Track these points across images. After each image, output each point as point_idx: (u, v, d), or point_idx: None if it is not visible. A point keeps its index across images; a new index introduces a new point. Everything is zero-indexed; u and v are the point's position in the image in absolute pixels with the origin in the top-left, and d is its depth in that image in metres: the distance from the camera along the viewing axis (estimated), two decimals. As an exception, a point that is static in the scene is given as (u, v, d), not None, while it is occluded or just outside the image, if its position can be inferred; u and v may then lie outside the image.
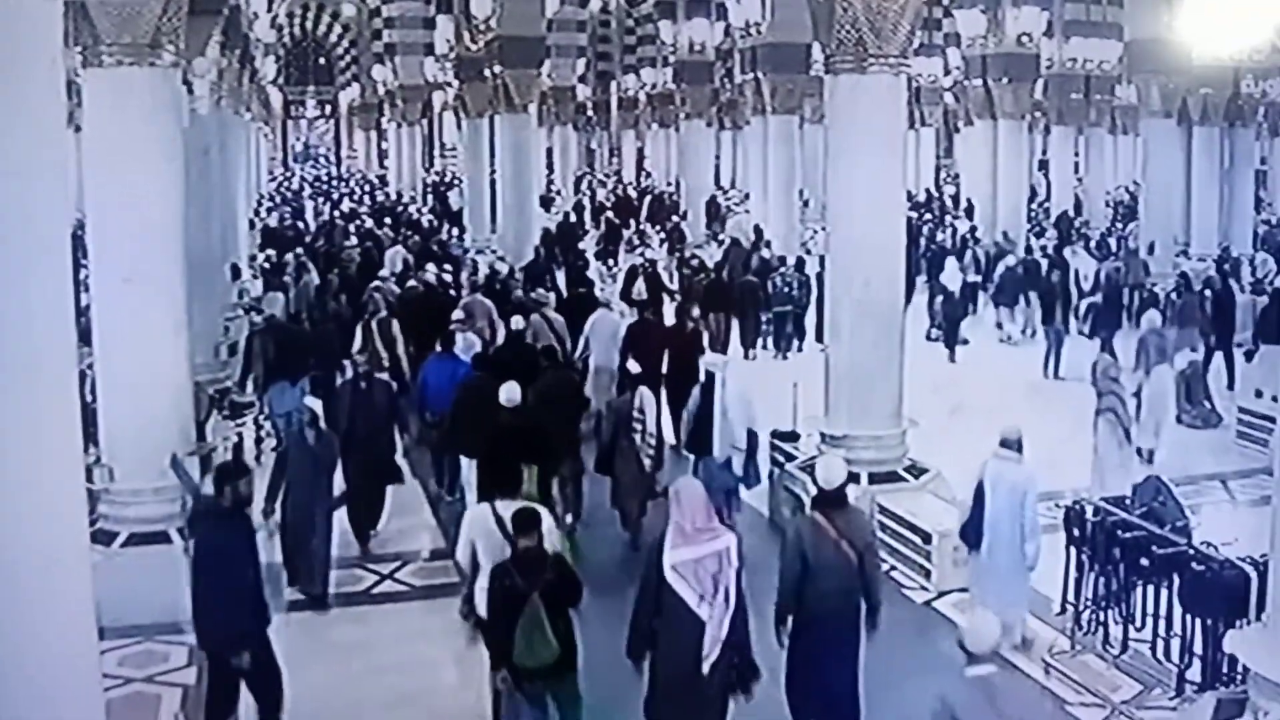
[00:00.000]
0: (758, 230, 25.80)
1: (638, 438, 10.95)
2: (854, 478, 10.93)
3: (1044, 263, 21.99)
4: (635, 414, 11.03)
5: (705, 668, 6.66)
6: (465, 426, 10.88)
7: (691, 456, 11.25)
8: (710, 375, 11.12)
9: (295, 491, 9.85)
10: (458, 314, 15.24)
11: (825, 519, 7.35)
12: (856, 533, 7.37)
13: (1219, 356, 17.31)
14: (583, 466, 11.42)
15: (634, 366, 12.07)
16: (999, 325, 21.92)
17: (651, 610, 6.81)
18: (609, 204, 40.16)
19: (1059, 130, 31.75)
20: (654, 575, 6.79)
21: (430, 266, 19.73)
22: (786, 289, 20.40)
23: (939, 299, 21.36)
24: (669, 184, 46.41)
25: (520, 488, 8.28)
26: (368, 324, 15.04)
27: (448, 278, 19.25)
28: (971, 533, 9.22)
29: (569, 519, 10.37)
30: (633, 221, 36.41)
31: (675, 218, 34.55)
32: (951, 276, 21.09)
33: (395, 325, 14.89)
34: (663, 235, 32.86)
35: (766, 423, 12.62)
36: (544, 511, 7.24)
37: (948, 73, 35.89)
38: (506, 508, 7.35)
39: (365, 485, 11.09)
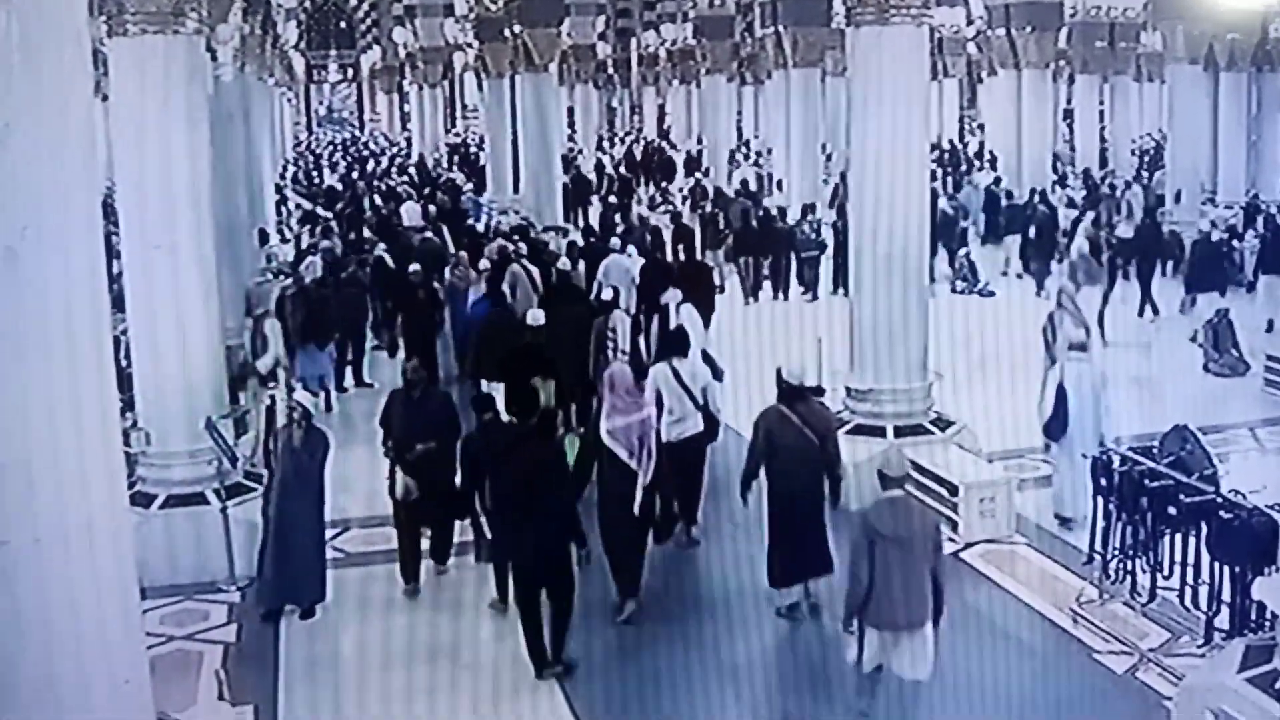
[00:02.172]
0: (744, 183, 27.16)
1: (611, 353, 12.60)
2: (879, 430, 11.19)
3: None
4: (609, 333, 12.84)
5: (635, 509, 8.72)
6: (486, 353, 12.45)
7: None
8: (666, 305, 13.20)
9: (281, 497, 9.13)
10: (483, 264, 16.12)
11: (789, 409, 8.79)
12: (817, 420, 8.86)
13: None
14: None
15: (607, 294, 13.90)
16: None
17: (592, 464, 8.97)
18: (618, 161, 40.35)
19: (1084, 79, 31.33)
20: (594, 439, 9.01)
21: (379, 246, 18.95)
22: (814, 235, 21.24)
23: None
24: (667, 141, 46.36)
25: (687, 347, 10.69)
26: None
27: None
28: (1057, 427, 10.42)
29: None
30: (644, 178, 36.53)
31: (697, 174, 34.50)
32: None
33: (270, 325, 13.12)
34: (684, 193, 32.85)
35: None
36: None
37: (970, 22, 35.44)
38: (680, 363, 10.47)
39: (424, 519, 9.84)
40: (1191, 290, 17.92)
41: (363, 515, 10.89)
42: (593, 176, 34.56)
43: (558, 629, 8.27)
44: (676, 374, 10.39)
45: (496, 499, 8.46)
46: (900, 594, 7.01)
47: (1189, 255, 19.00)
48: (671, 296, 13.34)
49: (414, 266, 15.92)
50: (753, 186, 27.27)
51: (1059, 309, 12.86)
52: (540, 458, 8.37)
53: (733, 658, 8.61)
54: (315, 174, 39.60)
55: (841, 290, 19.37)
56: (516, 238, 18.74)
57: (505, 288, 14.97)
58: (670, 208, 29.25)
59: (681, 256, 20.41)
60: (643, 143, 46.72)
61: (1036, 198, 23.76)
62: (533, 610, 8.22)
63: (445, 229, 20.83)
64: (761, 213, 22.92)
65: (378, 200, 26.95)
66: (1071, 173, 31.37)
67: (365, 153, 49.28)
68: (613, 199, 29.45)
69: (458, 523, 9.79)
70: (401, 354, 14.75)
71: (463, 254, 17.28)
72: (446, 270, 16.60)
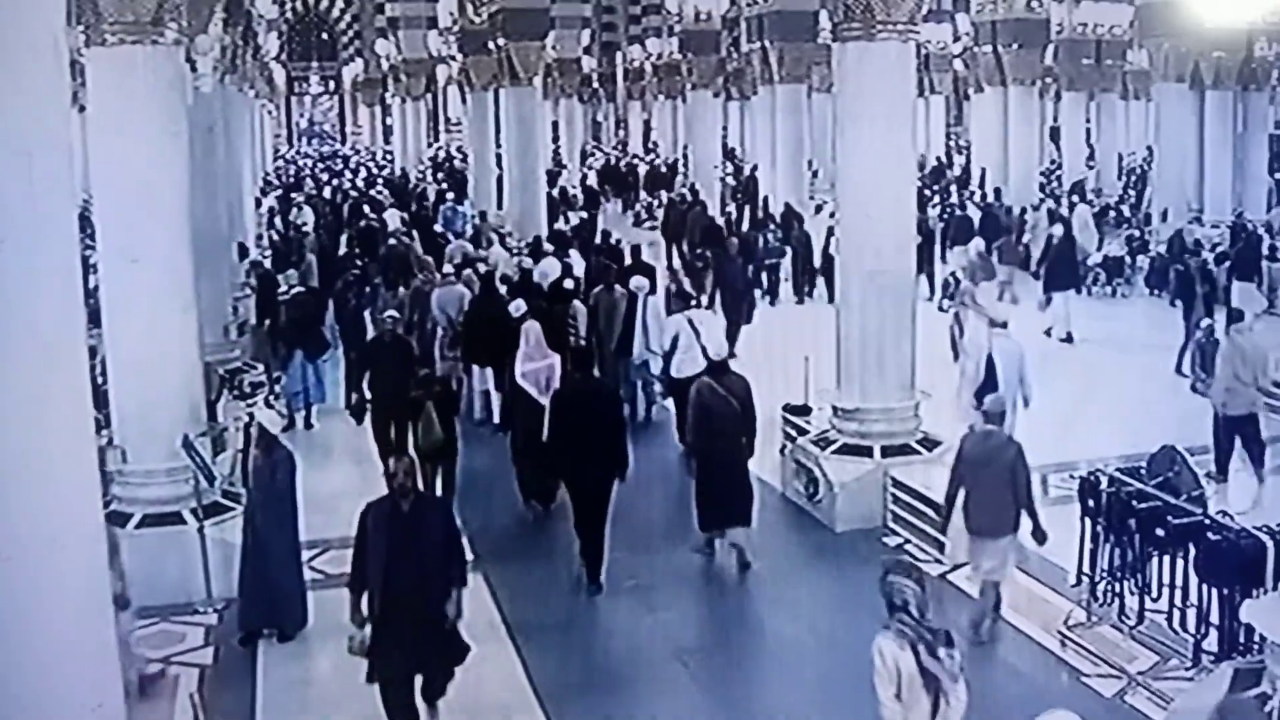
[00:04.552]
0: (693, 189, 28.48)
1: (571, 339, 14.04)
2: (866, 450, 11.11)
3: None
4: (570, 320, 14.43)
5: (544, 435, 10.27)
6: (474, 338, 14.17)
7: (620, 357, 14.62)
8: (634, 294, 14.50)
9: (252, 519, 9.05)
10: (446, 268, 17.46)
11: (715, 380, 10.31)
12: (737, 389, 10.28)
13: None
14: None
15: (569, 284, 15.60)
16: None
17: (511, 400, 11.73)
18: (596, 172, 40.59)
19: (1070, 96, 31.54)
20: (511, 383, 11.63)
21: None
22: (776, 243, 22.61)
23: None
24: (650, 155, 46.47)
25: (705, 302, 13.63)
26: None
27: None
28: (989, 393, 11.03)
29: None
30: (619, 190, 36.82)
31: (680, 188, 34.50)
32: None
33: None
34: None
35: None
36: None
37: (957, 39, 35.64)
38: (696, 315, 13.38)
39: (416, 666, 7.51)
40: (1047, 289, 19.08)
41: (342, 536, 10.69)
42: (563, 191, 34.74)
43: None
44: (692, 323, 13.05)
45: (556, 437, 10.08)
46: (983, 508, 8.71)
47: (1041, 255, 20.74)
48: (639, 284, 14.77)
49: (389, 313, 14.11)
50: (704, 197, 27.68)
51: (963, 307, 13.85)
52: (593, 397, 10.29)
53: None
54: (295, 187, 39.48)
55: (796, 298, 21.97)
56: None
57: (462, 286, 15.94)
58: (655, 222, 29.34)
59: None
60: (615, 159, 46.69)
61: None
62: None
63: (416, 235, 21.98)
64: (709, 223, 23.74)
65: (363, 209, 27.02)
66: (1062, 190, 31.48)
67: (347, 165, 49.14)
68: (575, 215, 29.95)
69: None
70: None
71: (428, 259, 18.25)
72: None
